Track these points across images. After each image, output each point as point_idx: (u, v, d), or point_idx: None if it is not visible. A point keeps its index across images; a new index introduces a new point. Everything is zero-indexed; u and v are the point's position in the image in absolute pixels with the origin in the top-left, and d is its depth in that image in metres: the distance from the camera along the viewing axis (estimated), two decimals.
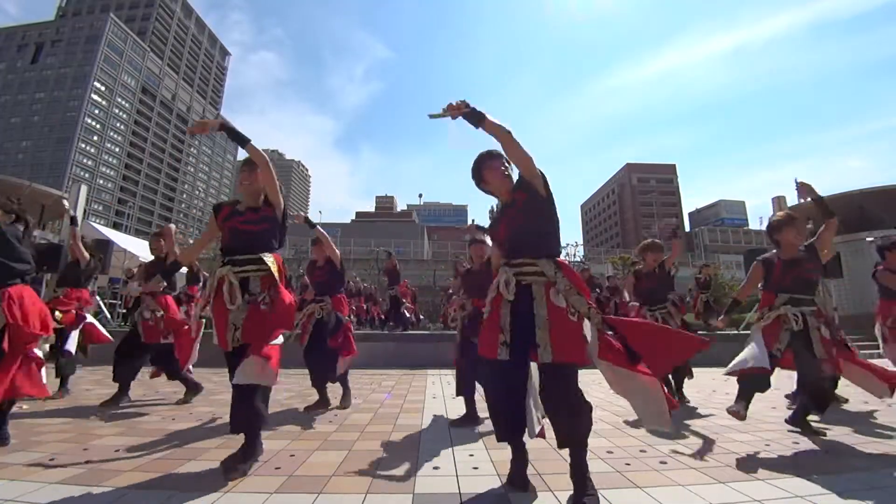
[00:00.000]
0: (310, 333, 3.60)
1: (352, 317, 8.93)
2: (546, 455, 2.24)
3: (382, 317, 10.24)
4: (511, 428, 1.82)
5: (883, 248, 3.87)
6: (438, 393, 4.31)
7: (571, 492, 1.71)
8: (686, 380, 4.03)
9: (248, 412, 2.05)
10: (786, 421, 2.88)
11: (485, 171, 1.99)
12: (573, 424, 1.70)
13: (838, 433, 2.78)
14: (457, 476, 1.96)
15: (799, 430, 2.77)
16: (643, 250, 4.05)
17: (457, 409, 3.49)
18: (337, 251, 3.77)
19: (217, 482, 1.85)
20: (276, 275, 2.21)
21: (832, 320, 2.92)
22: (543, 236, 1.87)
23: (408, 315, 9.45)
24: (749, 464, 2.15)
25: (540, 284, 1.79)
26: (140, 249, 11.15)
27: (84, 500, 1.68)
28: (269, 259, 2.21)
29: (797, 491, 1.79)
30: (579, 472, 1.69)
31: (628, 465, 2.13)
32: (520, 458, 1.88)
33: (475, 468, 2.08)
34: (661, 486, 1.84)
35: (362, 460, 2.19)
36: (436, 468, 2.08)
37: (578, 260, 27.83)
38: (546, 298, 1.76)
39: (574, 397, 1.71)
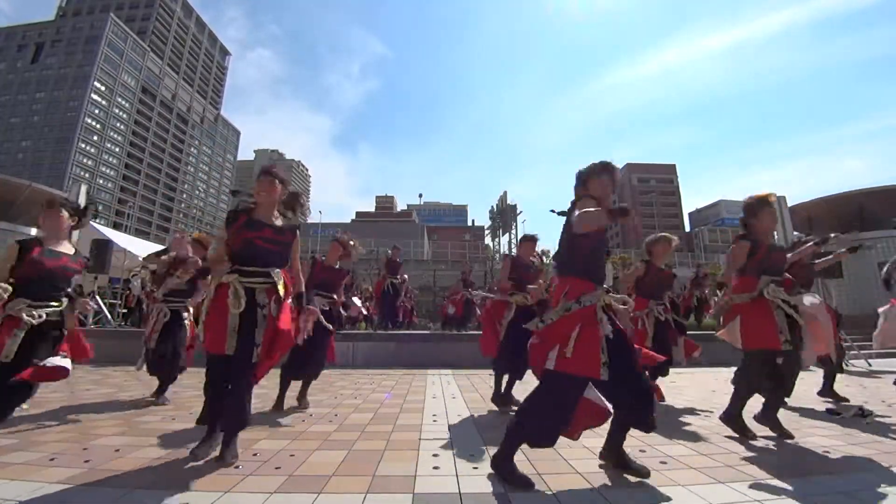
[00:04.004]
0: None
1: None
2: (546, 455, 2.24)
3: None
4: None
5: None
6: (438, 393, 4.31)
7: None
8: None
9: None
10: (754, 418, 2.78)
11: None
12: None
13: (839, 433, 2.78)
14: (457, 476, 1.96)
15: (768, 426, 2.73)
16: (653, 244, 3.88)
17: (457, 409, 3.50)
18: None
19: (217, 482, 1.86)
20: (280, 290, 2.28)
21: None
22: None
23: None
24: (749, 464, 2.16)
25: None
26: (140, 249, 11.11)
27: (84, 500, 1.68)
28: (276, 273, 2.29)
29: (799, 491, 1.79)
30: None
31: None
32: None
33: (475, 468, 2.08)
34: (662, 486, 1.84)
35: (362, 460, 2.19)
36: (436, 468, 2.08)
37: None
38: None
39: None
